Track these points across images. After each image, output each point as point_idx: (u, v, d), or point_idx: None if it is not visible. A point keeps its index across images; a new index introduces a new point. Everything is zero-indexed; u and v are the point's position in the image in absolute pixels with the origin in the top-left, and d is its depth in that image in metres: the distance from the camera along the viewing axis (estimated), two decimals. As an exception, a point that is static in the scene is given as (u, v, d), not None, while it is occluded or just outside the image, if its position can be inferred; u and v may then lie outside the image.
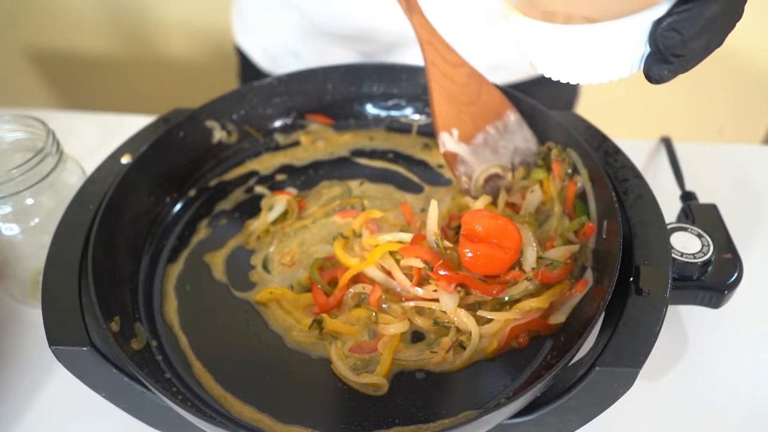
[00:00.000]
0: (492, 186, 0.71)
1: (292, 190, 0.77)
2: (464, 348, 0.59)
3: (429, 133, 0.83)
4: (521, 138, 0.72)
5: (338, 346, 0.61)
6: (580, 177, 0.67)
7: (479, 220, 0.61)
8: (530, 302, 0.59)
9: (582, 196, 0.66)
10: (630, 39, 0.43)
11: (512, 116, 0.72)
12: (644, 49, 0.45)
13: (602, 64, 0.45)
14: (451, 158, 0.70)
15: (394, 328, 0.60)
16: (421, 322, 0.62)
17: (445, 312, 0.60)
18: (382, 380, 0.58)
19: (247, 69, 1.11)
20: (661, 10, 0.42)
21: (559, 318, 0.60)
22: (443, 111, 0.69)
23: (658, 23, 0.42)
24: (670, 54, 0.43)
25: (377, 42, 0.94)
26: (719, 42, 0.44)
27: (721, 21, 0.42)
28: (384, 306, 0.63)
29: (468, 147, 0.71)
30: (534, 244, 0.61)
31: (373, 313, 0.62)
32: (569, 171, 0.68)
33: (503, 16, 0.47)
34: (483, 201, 0.69)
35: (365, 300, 0.63)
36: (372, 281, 0.64)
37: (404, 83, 0.82)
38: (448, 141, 0.70)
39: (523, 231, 0.62)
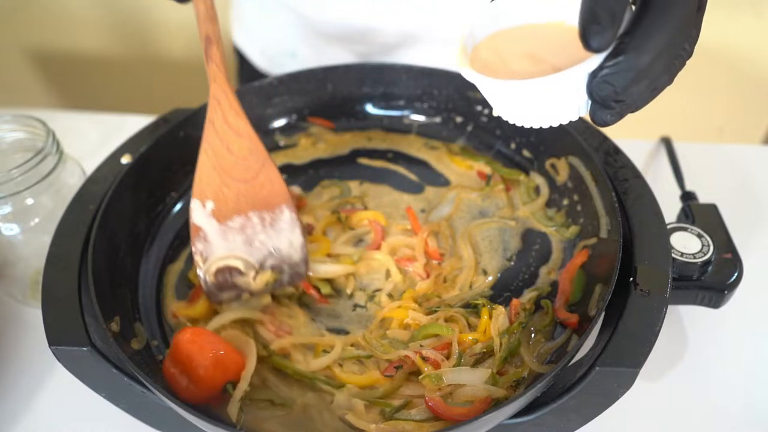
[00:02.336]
0: (223, 280, 0.62)
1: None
2: None
3: (429, 133, 0.83)
4: (287, 241, 0.63)
5: None
6: (593, 240, 0.63)
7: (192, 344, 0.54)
8: (405, 425, 0.53)
9: (587, 265, 0.63)
10: (568, 90, 0.44)
11: (287, 213, 0.63)
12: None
13: (547, 112, 0.47)
14: (195, 231, 0.61)
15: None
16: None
17: None
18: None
19: (245, 69, 1.11)
20: (593, 62, 0.42)
21: None
22: (204, 177, 0.61)
23: (593, 75, 0.42)
24: (609, 102, 0.43)
25: (374, 43, 0.94)
26: (667, 81, 0.44)
27: (660, 66, 0.42)
28: None
29: (219, 226, 0.61)
30: None
31: None
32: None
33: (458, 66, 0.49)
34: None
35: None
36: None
37: (404, 83, 0.82)
38: (198, 212, 0.61)
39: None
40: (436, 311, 0.61)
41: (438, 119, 0.83)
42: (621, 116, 0.44)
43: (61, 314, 0.55)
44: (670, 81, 0.44)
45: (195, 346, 0.54)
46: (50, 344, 0.53)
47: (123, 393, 0.54)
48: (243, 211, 0.62)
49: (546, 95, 0.44)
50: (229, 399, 0.55)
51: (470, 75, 0.47)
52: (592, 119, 0.45)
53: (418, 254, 0.67)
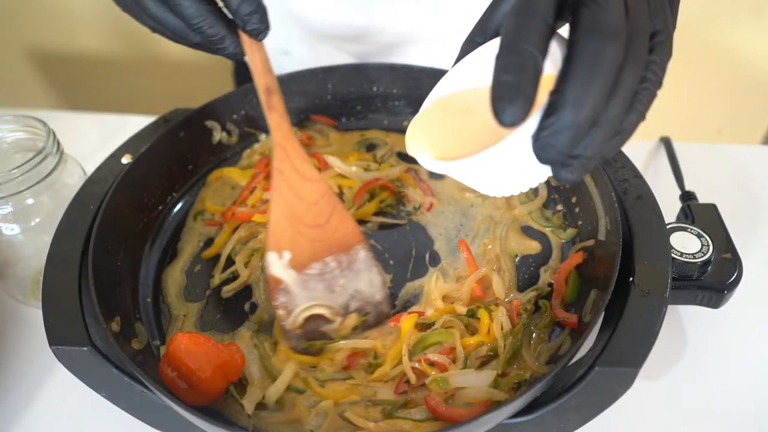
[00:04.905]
0: (312, 329, 0.61)
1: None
2: None
3: (429, 133, 0.83)
4: (366, 281, 0.61)
5: None
6: (590, 242, 0.63)
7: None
8: (403, 423, 0.53)
9: (584, 267, 0.63)
10: (519, 156, 0.41)
11: (362, 253, 0.61)
12: None
13: (509, 180, 0.44)
14: (274, 284, 0.59)
15: None
16: None
17: None
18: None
19: (241, 67, 1.11)
20: (531, 124, 0.38)
21: None
22: (279, 228, 0.59)
23: (534, 138, 0.39)
24: (563, 161, 0.39)
25: (368, 43, 0.94)
26: (636, 118, 0.40)
27: (615, 110, 0.38)
28: None
29: (297, 275, 0.60)
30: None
31: None
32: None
33: None
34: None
35: None
36: None
37: (404, 83, 0.82)
38: (275, 264, 0.59)
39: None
40: (433, 324, 0.61)
41: (438, 119, 0.83)
42: (586, 170, 0.40)
43: (61, 314, 0.55)
44: (640, 117, 0.40)
45: (193, 356, 0.53)
46: (50, 344, 0.53)
47: (123, 393, 0.54)
48: (320, 257, 0.60)
49: (498, 166, 0.42)
50: (230, 397, 0.56)
51: (414, 154, 0.46)
52: (556, 178, 0.41)
53: (462, 300, 0.63)
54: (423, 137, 0.48)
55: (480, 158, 0.41)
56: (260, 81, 0.56)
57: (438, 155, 0.46)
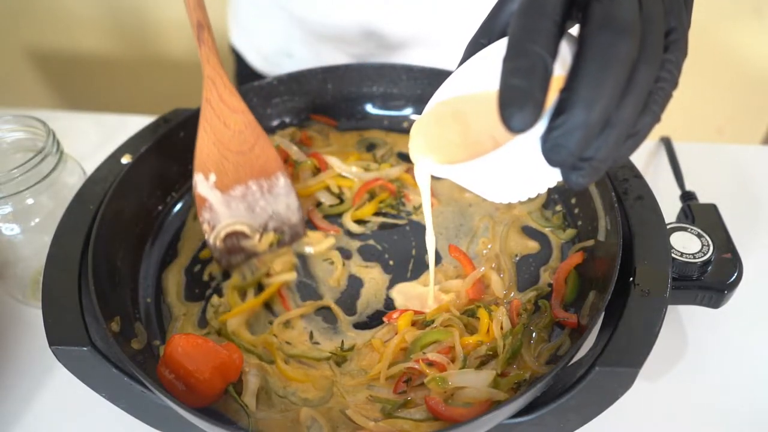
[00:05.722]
0: (231, 244, 0.67)
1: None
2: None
3: (429, 133, 0.82)
4: (284, 205, 0.69)
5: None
6: (590, 243, 0.63)
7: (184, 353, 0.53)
8: (403, 423, 0.53)
9: (584, 267, 0.63)
10: (528, 159, 0.39)
11: (282, 179, 0.68)
12: None
13: (512, 185, 0.43)
14: (200, 202, 0.67)
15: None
16: None
17: None
18: None
19: (242, 69, 1.11)
20: (540, 125, 0.37)
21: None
22: (204, 151, 0.66)
23: (544, 139, 0.37)
24: (573, 163, 0.37)
25: (369, 45, 0.94)
26: (651, 120, 0.38)
27: (628, 110, 0.36)
28: None
29: (222, 195, 0.67)
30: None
31: None
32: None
33: None
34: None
35: None
36: None
37: (404, 83, 0.82)
38: (202, 184, 0.66)
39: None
40: (432, 322, 0.61)
41: (438, 119, 0.83)
42: (597, 174, 0.38)
43: (61, 314, 0.55)
44: (655, 119, 0.38)
45: (190, 358, 0.53)
46: (50, 344, 0.53)
47: (123, 393, 0.54)
48: (243, 180, 0.67)
49: (503, 171, 0.41)
50: (230, 397, 0.56)
51: (427, 166, 0.45)
52: (566, 184, 0.39)
53: (459, 300, 0.63)
54: (426, 141, 0.47)
55: (485, 162, 0.40)
56: (192, 16, 0.62)
57: (441, 159, 0.45)
